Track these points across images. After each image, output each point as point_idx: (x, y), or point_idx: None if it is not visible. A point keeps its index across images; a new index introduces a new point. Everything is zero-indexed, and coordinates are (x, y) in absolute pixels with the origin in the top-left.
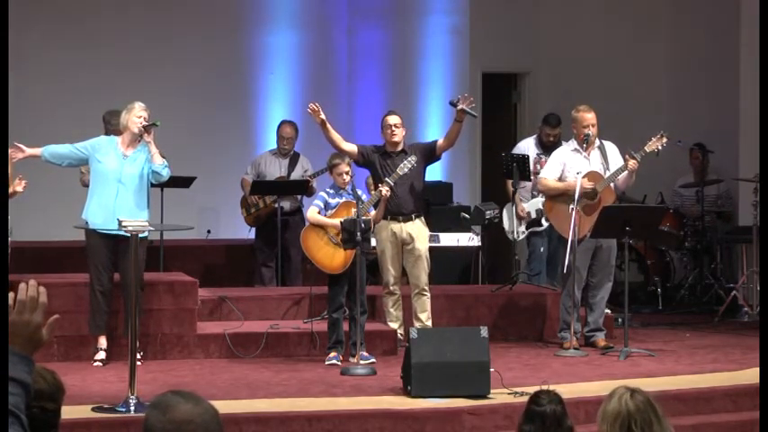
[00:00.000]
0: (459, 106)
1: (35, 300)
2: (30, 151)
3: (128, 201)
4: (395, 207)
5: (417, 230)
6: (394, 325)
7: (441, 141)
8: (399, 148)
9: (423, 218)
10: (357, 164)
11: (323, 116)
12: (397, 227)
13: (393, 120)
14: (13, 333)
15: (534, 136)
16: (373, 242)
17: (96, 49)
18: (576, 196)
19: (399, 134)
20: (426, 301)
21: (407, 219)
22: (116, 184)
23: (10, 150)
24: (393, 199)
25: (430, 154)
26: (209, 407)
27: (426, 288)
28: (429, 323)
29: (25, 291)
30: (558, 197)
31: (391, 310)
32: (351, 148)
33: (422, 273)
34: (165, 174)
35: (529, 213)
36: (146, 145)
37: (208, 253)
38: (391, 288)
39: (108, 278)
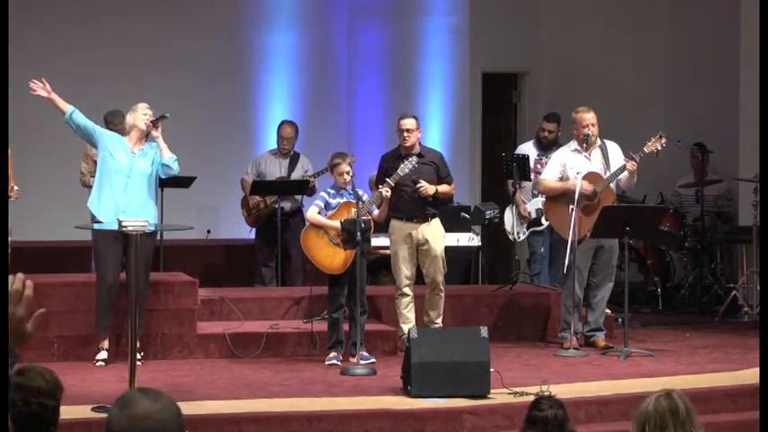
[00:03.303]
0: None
1: (19, 292)
2: (56, 98)
3: (136, 196)
4: (410, 209)
5: (434, 231)
6: (406, 327)
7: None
8: (414, 151)
9: (438, 217)
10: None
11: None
12: (412, 228)
13: (405, 124)
14: None
15: (531, 141)
16: (376, 242)
17: (96, 48)
18: (576, 196)
19: (411, 138)
20: (440, 300)
21: (423, 220)
22: (125, 179)
23: (32, 82)
24: (408, 201)
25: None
26: (170, 404)
27: (442, 288)
28: (439, 321)
29: (11, 284)
30: (558, 198)
31: (404, 311)
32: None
33: (438, 272)
34: (176, 167)
35: (530, 213)
36: (153, 141)
37: (208, 253)
38: (404, 290)
39: (115, 277)
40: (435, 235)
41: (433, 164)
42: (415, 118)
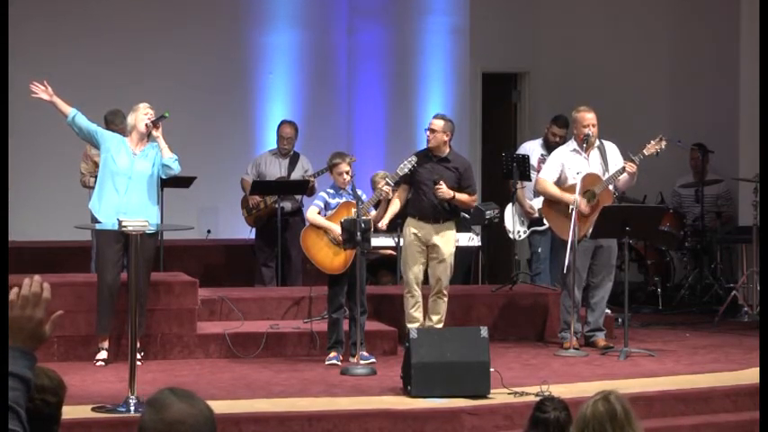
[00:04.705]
0: None
1: (38, 295)
2: (58, 101)
3: (137, 197)
4: (425, 209)
5: (444, 234)
6: (412, 326)
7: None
8: (442, 154)
9: (453, 222)
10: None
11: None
12: (423, 228)
13: (430, 123)
14: (16, 328)
15: (539, 139)
16: (376, 242)
17: (96, 48)
18: (576, 196)
19: (434, 139)
20: (443, 304)
21: (435, 222)
22: (126, 180)
23: (33, 85)
24: (424, 201)
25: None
26: (205, 408)
27: (445, 291)
28: (440, 326)
29: (29, 286)
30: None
31: (411, 311)
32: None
33: (443, 276)
34: (176, 167)
35: (534, 210)
36: (155, 141)
37: (208, 253)
38: (412, 290)
39: (115, 277)
40: (444, 238)
41: (456, 170)
42: (444, 120)
